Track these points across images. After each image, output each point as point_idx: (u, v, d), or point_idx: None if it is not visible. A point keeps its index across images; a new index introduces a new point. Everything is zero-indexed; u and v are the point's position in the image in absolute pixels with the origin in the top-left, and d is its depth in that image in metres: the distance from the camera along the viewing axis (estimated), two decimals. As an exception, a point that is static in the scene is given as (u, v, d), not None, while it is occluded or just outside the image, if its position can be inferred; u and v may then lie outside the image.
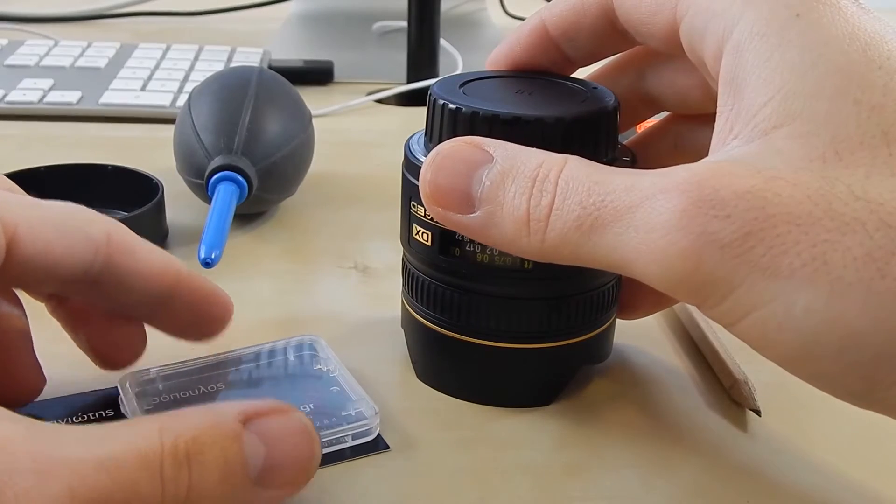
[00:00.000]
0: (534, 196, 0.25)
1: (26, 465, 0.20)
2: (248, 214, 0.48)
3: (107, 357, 0.32)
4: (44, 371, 0.31)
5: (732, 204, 0.22)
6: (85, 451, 0.21)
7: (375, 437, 0.31)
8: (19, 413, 0.22)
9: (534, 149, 0.27)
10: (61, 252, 0.27)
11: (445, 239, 0.31)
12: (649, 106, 0.34)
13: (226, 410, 0.24)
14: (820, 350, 0.22)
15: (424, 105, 0.32)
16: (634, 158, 0.32)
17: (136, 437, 0.22)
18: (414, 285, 0.33)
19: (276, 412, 0.25)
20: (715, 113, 0.26)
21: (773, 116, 0.23)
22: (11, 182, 0.31)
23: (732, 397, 0.34)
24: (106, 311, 0.31)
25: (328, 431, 0.30)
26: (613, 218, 0.24)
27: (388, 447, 0.31)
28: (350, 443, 0.31)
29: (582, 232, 0.24)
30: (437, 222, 0.31)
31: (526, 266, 0.31)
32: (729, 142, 0.24)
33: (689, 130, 0.34)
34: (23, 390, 0.31)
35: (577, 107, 0.30)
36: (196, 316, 0.31)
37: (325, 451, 0.30)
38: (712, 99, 0.26)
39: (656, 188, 0.23)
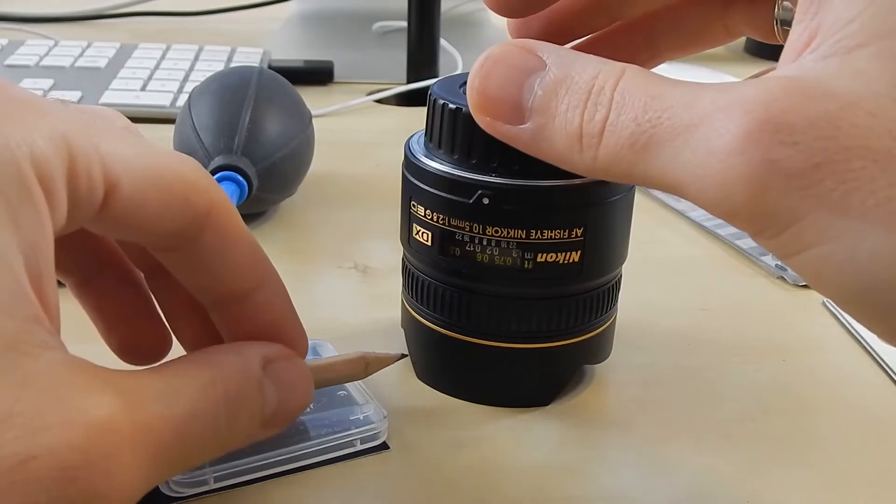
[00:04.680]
0: (587, 110, 0.23)
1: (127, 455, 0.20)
2: (248, 214, 0.48)
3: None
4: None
5: (801, 130, 0.20)
6: (164, 408, 0.22)
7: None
8: None
9: (591, 56, 0.25)
10: (154, 213, 0.24)
11: (445, 239, 0.31)
12: None
13: (251, 355, 0.25)
14: (881, 297, 0.20)
15: (424, 105, 0.32)
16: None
17: (196, 389, 0.23)
18: (414, 285, 0.33)
19: (286, 357, 0.26)
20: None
21: (860, 33, 0.21)
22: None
23: None
24: (165, 292, 0.29)
25: (337, 436, 0.30)
26: (669, 137, 0.22)
27: (387, 447, 0.31)
28: (359, 447, 0.31)
29: (636, 151, 0.23)
30: (437, 222, 0.31)
31: (526, 266, 0.31)
32: (804, 56, 0.22)
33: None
34: (151, 345, 0.30)
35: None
36: (253, 337, 0.27)
37: (333, 455, 0.30)
38: None
39: (717, 106, 0.21)
